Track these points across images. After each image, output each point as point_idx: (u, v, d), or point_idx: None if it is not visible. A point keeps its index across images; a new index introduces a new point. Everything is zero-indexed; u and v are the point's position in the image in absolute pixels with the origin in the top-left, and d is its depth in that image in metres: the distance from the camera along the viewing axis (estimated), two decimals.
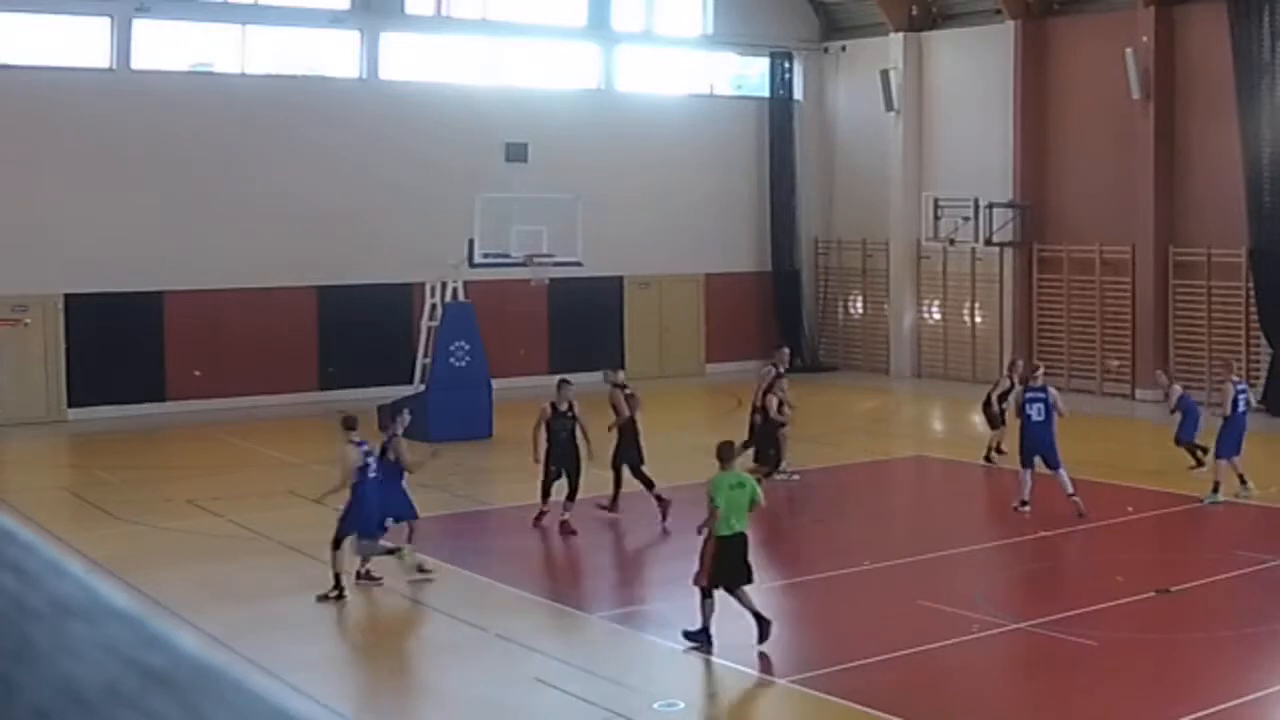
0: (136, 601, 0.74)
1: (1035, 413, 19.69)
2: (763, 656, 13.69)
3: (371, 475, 16.09)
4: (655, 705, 12.49)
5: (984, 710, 13.06)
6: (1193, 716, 11.89)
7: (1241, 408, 20.55)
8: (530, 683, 13.20)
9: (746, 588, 14.10)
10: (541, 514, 18.99)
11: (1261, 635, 14.34)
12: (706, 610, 13.92)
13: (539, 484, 18.92)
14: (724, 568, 14.00)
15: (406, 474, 17.02)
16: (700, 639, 13.90)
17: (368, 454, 16.17)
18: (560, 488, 18.92)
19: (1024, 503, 19.66)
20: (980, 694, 13.49)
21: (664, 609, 15.55)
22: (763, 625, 13.84)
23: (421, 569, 16.38)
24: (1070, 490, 19.28)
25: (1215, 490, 20.28)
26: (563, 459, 18.84)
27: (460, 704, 13.18)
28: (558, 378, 20.68)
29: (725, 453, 14.61)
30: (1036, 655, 14.17)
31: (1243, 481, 20.49)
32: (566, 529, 18.66)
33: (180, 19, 30.16)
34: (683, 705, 12.60)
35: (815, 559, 18.20)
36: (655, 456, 20.13)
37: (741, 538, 14.10)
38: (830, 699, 12.57)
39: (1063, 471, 19.45)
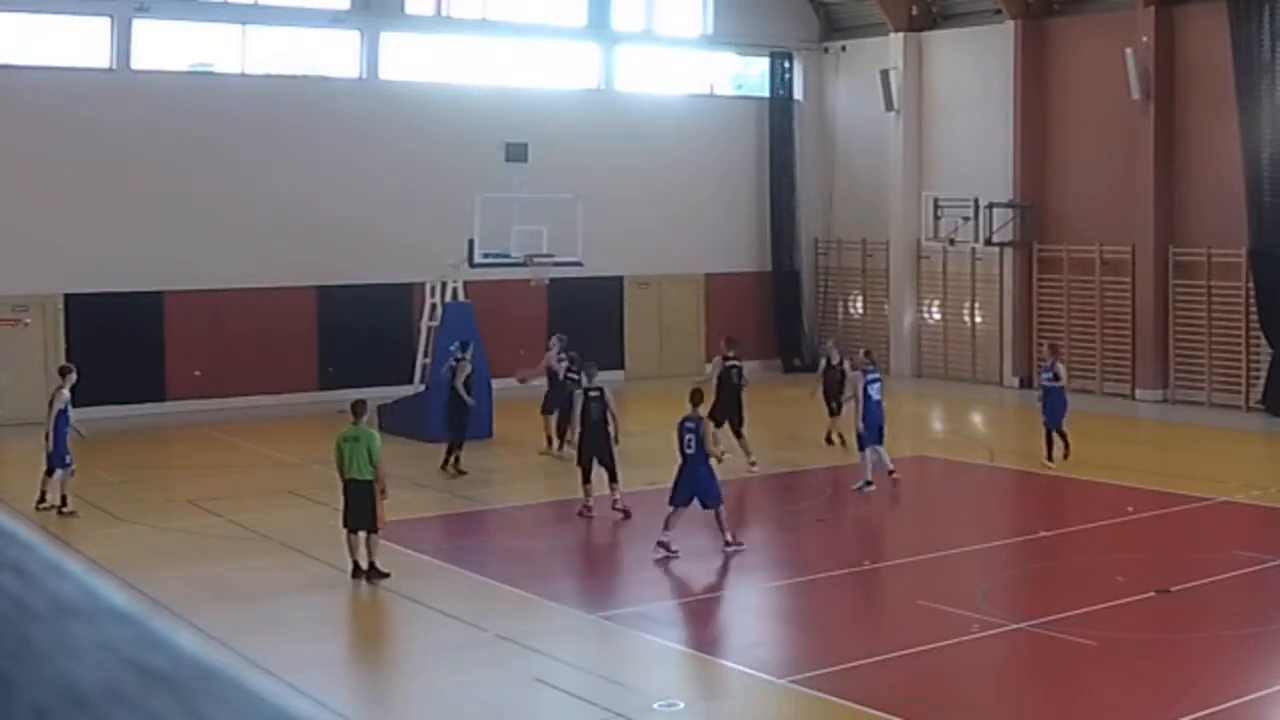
0: (136, 601, 0.74)
1: (874, 392, 21.53)
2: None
3: None
4: (655, 705, 12.48)
5: (984, 710, 13.06)
6: (1193, 716, 11.89)
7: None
8: (530, 683, 13.20)
9: (374, 536, 16.26)
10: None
11: (1261, 635, 14.35)
12: (349, 545, 16.36)
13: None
14: (348, 508, 16.35)
15: None
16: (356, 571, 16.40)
17: None
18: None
19: (868, 483, 21.02)
20: (980, 694, 13.48)
21: (664, 609, 15.56)
22: (372, 570, 16.21)
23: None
24: (889, 465, 21.36)
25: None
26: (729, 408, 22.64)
27: (460, 704, 13.17)
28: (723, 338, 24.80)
29: (356, 409, 16.86)
30: (1036, 655, 14.16)
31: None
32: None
33: (180, 19, 30.14)
34: (683, 705, 12.59)
35: (815, 559, 18.19)
36: (656, 456, 20.15)
37: (363, 484, 16.22)
38: (830, 699, 12.57)
39: (883, 449, 21.36)
